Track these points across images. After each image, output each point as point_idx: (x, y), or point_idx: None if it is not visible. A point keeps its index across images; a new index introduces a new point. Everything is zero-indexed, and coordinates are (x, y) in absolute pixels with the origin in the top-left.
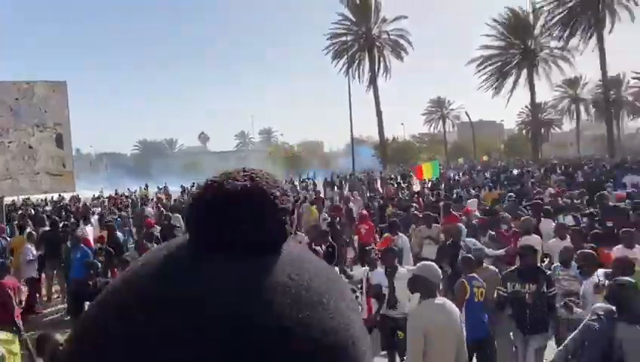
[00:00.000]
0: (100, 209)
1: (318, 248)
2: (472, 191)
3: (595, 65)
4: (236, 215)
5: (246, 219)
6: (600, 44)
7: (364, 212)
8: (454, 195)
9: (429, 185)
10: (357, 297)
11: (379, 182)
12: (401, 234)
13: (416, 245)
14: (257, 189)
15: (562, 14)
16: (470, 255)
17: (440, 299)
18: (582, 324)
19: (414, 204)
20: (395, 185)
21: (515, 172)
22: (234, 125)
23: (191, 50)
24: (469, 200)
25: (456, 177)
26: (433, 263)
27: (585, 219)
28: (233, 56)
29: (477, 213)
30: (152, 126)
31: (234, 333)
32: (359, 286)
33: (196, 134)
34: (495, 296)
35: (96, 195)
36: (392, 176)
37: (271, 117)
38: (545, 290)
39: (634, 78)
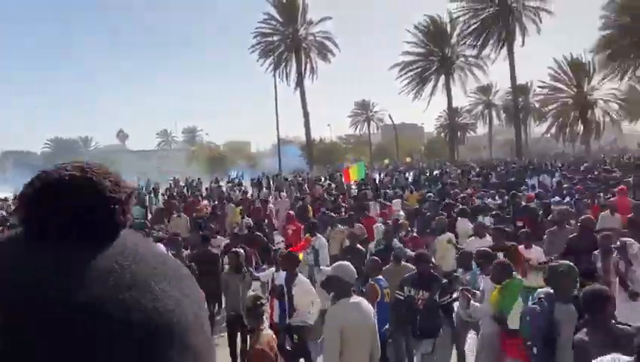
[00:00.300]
0: (4, 212)
1: (238, 249)
2: (389, 192)
3: (506, 74)
4: (63, 203)
5: (72, 207)
6: (510, 54)
7: (291, 212)
8: (380, 196)
9: (356, 186)
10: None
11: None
12: (319, 235)
13: (334, 246)
14: (84, 179)
15: (476, 25)
16: (376, 257)
17: (355, 298)
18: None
19: (344, 205)
20: (325, 186)
21: (435, 173)
22: (156, 124)
23: (113, 45)
24: (393, 201)
25: (382, 178)
26: (349, 263)
27: (492, 220)
28: (158, 53)
29: (401, 213)
30: (65, 123)
31: (55, 315)
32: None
33: (114, 132)
34: (393, 298)
35: (2, 197)
36: (322, 177)
37: (196, 116)
38: (437, 299)
39: (540, 87)
